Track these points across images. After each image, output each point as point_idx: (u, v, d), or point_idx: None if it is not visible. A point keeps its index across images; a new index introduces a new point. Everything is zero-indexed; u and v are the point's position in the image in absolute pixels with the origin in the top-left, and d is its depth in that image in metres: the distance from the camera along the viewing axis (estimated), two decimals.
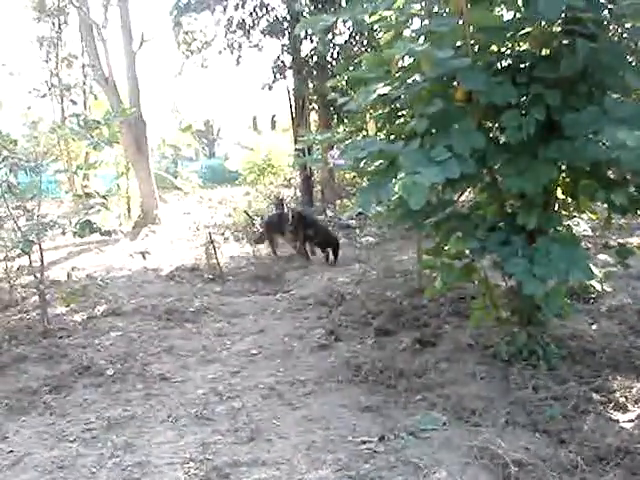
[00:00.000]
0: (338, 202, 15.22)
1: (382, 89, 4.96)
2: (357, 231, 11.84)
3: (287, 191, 19.23)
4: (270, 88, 15.68)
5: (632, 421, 4.44)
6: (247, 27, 15.93)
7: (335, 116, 15.72)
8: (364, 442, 4.24)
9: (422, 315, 6.59)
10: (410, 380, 5.11)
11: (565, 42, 4.87)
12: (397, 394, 4.93)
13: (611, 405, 4.65)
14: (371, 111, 6.07)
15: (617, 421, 4.44)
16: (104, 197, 7.77)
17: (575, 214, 5.75)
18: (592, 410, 4.55)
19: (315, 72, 15.26)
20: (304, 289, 8.38)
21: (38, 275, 7.11)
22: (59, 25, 20.78)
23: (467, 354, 5.53)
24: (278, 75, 15.52)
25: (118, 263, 10.95)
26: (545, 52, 5.06)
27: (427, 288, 6.06)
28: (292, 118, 16.74)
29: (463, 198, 6.52)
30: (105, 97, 17.26)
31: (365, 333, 6.30)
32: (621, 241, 6.19)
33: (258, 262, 10.44)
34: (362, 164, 5.32)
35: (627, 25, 5.14)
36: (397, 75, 5.16)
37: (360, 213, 12.31)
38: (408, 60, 5.37)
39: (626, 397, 4.74)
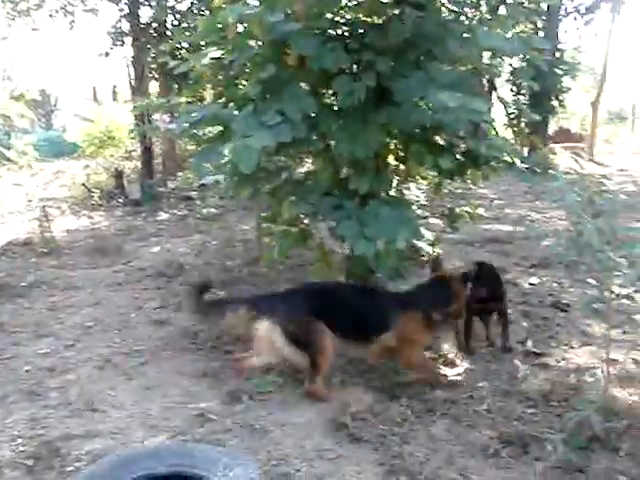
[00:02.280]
0: (180, 174, 14.95)
1: (214, 53, 4.91)
2: (198, 202, 11.72)
3: (128, 163, 18.68)
4: (107, 55, 15.11)
5: (459, 375, 4.70)
6: None
7: (176, 85, 15.39)
8: (201, 408, 4.23)
9: (261, 282, 6.62)
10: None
11: (395, 11, 5.00)
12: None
13: (441, 361, 4.89)
14: (209, 78, 5.98)
15: (446, 375, 4.67)
16: None
17: (408, 180, 5.95)
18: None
19: (155, 39, 14.84)
20: (143, 261, 8.19)
21: None
22: None
23: None
24: (116, 42, 14.97)
25: None
26: (376, 20, 5.17)
27: (264, 255, 6.08)
28: (131, 88, 16.24)
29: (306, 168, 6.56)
30: None
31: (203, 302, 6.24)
32: (451, 206, 6.46)
33: (96, 235, 10.09)
34: (197, 130, 5.25)
35: None
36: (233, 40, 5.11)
37: (202, 184, 12.13)
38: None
39: (455, 353, 5.00)
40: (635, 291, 3.72)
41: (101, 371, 4.88)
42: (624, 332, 3.96)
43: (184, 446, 3.52)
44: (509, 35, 4.78)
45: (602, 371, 3.92)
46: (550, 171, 3.90)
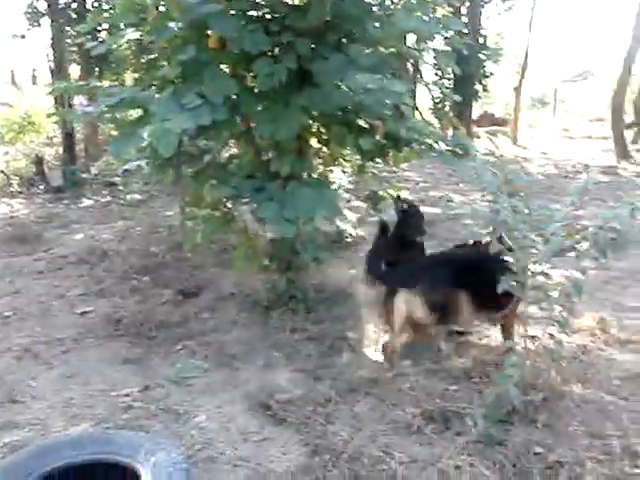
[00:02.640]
0: (103, 159, 14.64)
1: (132, 34, 4.82)
2: (122, 188, 11.49)
3: (49, 149, 18.18)
4: (23, 37, 14.61)
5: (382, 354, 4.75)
6: None
7: (97, 68, 15.03)
8: (124, 395, 4.19)
9: (186, 267, 6.56)
10: (171, 330, 5.11)
11: None
12: (158, 345, 4.91)
13: (365, 342, 4.94)
14: (130, 61, 5.88)
15: (369, 356, 4.73)
16: None
17: (331, 162, 5.97)
18: (347, 348, 4.81)
19: (74, 20, 14.42)
20: (65, 248, 8.00)
21: None
22: None
23: (229, 303, 5.61)
24: (33, 23, 14.48)
25: None
26: (297, 2, 5.15)
27: (187, 239, 6.03)
28: (51, 71, 15.77)
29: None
30: None
31: (127, 288, 6.16)
32: (374, 189, 6.51)
33: (15, 222, 9.81)
34: (117, 114, 5.16)
35: None
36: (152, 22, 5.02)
37: (126, 170, 11.90)
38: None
39: (379, 333, 5.06)
40: (550, 268, 3.83)
41: (20, 361, 4.77)
42: (541, 308, 4.06)
43: (105, 433, 3.47)
44: (427, 18, 4.83)
45: (521, 347, 4.02)
46: (469, 152, 3.95)
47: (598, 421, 3.77)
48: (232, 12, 4.91)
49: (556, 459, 3.34)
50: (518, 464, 3.32)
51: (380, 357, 4.61)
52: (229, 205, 5.43)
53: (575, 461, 3.33)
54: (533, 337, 4.17)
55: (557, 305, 3.84)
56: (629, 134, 19.87)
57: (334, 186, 6.07)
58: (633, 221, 3.58)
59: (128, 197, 10.89)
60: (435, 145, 5.24)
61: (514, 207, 3.60)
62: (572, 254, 3.79)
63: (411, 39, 5.86)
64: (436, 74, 20.97)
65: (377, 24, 4.92)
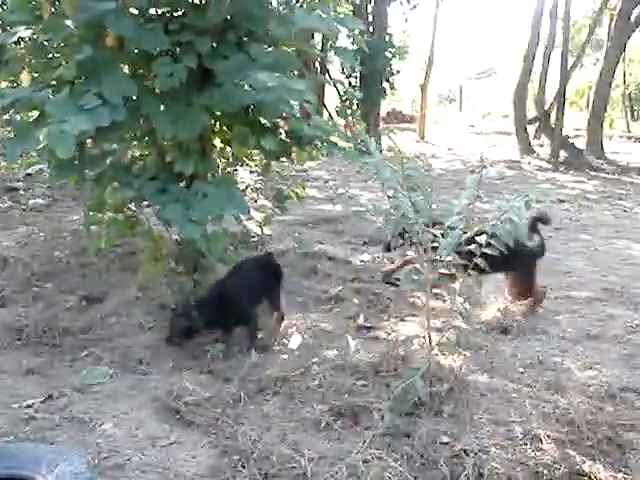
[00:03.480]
0: (3, 164, 14.13)
1: (24, 32, 4.67)
2: (23, 193, 11.12)
3: None
4: None
5: (292, 352, 4.76)
6: None
7: None
8: (27, 406, 4.05)
9: (90, 272, 6.40)
10: (75, 337, 4.98)
11: None
12: (62, 353, 4.78)
13: (272, 341, 4.94)
14: (26, 61, 5.68)
15: (277, 355, 4.72)
16: None
17: (235, 162, 5.94)
18: (254, 347, 4.80)
19: None
20: None
21: None
22: None
23: (135, 307, 5.49)
24: None
25: None
26: (196, 0, 5.10)
27: (91, 244, 5.89)
28: None
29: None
30: None
31: (29, 296, 5.96)
32: (278, 187, 6.51)
33: None
34: (11, 116, 5.00)
35: None
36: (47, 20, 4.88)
37: (28, 174, 11.53)
38: None
39: (286, 332, 5.07)
40: (451, 260, 3.91)
41: None
42: (444, 301, 4.16)
43: (5, 447, 3.35)
44: (325, 16, 4.85)
45: (425, 340, 4.09)
46: (370, 149, 3.99)
47: (502, 408, 3.89)
48: (130, 10, 4.82)
49: (462, 448, 3.42)
50: (425, 454, 3.39)
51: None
52: (133, 208, 5.34)
53: (480, 448, 3.42)
54: (438, 329, 4.25)
55: (459, 297, 3.93)
56: (531, 129, 20.51)
57: (241, 186, 6.03)
58: (528, 212, 3.71)
59: (30, 202, 10.52)
60: (339, 143, 5.28)
61: (414, 202, 3.66)
62: (472, 247, 3.88)
63: (318, 38, 5.90)
64: (342, 72, 21.15)
65: (277, 23, 4.91)
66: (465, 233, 3.80)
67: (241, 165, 5.98)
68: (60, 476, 2.84)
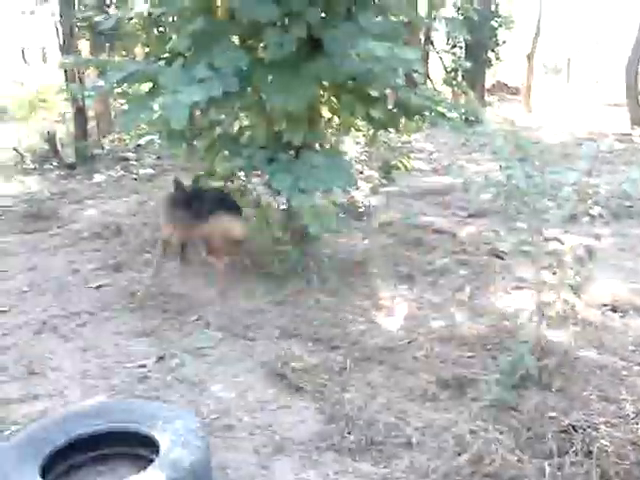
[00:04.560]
0: (116, 135, 14.62)
1: (141, 7, 4.80)
2: (134, 163, 11.50)
3: (61, 126, 18.20)
4: (32, 13, 14.44)
5: (397, 323, 4.77)
6: None
7: (108, 44, 14.92)
8: (140, 366, 4.23)
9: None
10: (185, 302, 5.13)
11: None
12: (173, 317, 4.94)
13: (379, 311, 4.96)
14: (140, 35, 5.85)
15: (383, 325, 4.74)
16: None
17: (343, 131, 5.95)
18: (361, 316, 4.83)
19: None
20: (79, 223, 8.02)
21: None
22: None
23: (245, 274, 5.62)
24: None
25: None
26: None
27: None
28: (60, 47, 15.66)
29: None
30: None
31: (141, 261, 6.18)
32: (385, 158, 6.49)
33: (29, 199, 9.84)
34: (127, 88, 5.16)
35: None
36: None
37: (138, 145, 11.88)
38: None
39: (392, 302, 5.08)
40: (564, 232, 3.81)
41: (38, 335, 4.80)
42: (554, 273, 4.05)
43: (123, 403, 3.51)
44: None
45: (534, 313, 4.01)
46: (481, 120, 3.92)
47: (612, 386, 3.78)
48: None
49: (570, 423, 3.34)
50: (532, 428, 3.33)
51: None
52: (242, 177, 5.43)
53: (589, 425, 3.33)
54: (547, 303, 4.17)
55: (570, 270, 3.83)
56: None
57: (347, 157, 6.04)
58: None
59: (141, 172, 10.88)
60: (447, 113, 5.21)
61: (526, 173, 3.58)
62: (586, 220, 3.78)
63: (423, 7, 5.82)
64: (447, 43, 20.76)
65: None
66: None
67: (348, 135, 5.97)
68: (175, 432, 2.95)
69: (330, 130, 5.61)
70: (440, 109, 5.18)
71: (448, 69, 18.55)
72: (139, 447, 3.07)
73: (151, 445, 2.94)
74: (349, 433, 3.39)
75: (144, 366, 4.22)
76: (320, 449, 3.32)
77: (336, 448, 3.31)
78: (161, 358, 4.31)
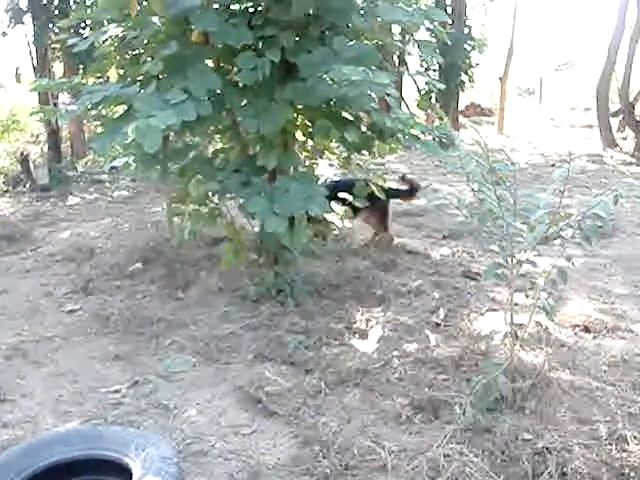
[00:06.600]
0: (90, 157, 14.57)
1: (115, 30, 4.81)
2: (109, 185, 11.47)
3: (35, 148, 18.09)
4: (4, 35, 14.38)
5: (371, 345, 4.78)
6: None
7: (81, 65, 14.89)
8: (114, 391, 4.20)
9: (173, 263, 6.54)
10: (160, 326, 5.10)
11: None
12: (147, 341, 4.91)
13: (353, 333, 4.96)
14: (114, 58, 5.85)
15: (358, 347, 4.74)
16: None
17: (318, 155, 5.99)
18: (335, 339, 4.83)
19: (57, 17, 14.25)
20: (52, 246, 7.96)
21: None
22: None
23: (218, 297, 5.61)
24: (14, 20, 14.25)
25: None
26: None
27: (174, 236, 6.02)
28: (34, 69, 15.60)
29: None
30: None
31: (115, 285, 6.15)
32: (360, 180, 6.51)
33: (1, 221, 9.74)
34: (101, 111, 5.15)
35: None
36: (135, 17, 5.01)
37: (113, 167, 11.84)
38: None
39: (366, 324, 5.08)
40: (536, 255, 3.85)
41: (9, 360, 4.74)
42: (527, 296, 4.09)
43: (94, 430, 3.47)
44: (410, 9, 4.83)
45: (508, 335, 4.04)
46: (454, 142, 3.97)
47: (586, 407, 3.80)
48: (214, 6, 4.91)
49: (544, 445, 3.36)
50: (506, 451, 3.34)
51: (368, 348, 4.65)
52: (216, 200, 5.43)
53: (563, 447, 3.35)
54: (520, 325, 4.20)
55: (543, 292, 3.87)
56: (614, 122, 19.91)
57: (322, 178, 6.07)
58: (617, 208, 3.61)
59: (115, 194, 10.85)
60: (420, 135, 5.26)
61: (499, 196, 3.62)
62: (558, 242, 3.82)
63: (397, 30, 5.87)
64: (421, 65, 20.95)
65: (361, 16, 4.92)
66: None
67: (321, 158, 6.01)
68: (148, 459, 2.92)
69: (305, 154, 5.65)
70: (414, 132, 5.23)
71: (422, 92, 18.69)
72: (111, 475, 3.03)
73: (124, 472, 2.91)
74: (324, 457, 3.38)
75: (118, 391, 4.19)
76: (295, 474, 3.31)
77: (311, 473, 3.29)
78: (135, 383, 4.28)
